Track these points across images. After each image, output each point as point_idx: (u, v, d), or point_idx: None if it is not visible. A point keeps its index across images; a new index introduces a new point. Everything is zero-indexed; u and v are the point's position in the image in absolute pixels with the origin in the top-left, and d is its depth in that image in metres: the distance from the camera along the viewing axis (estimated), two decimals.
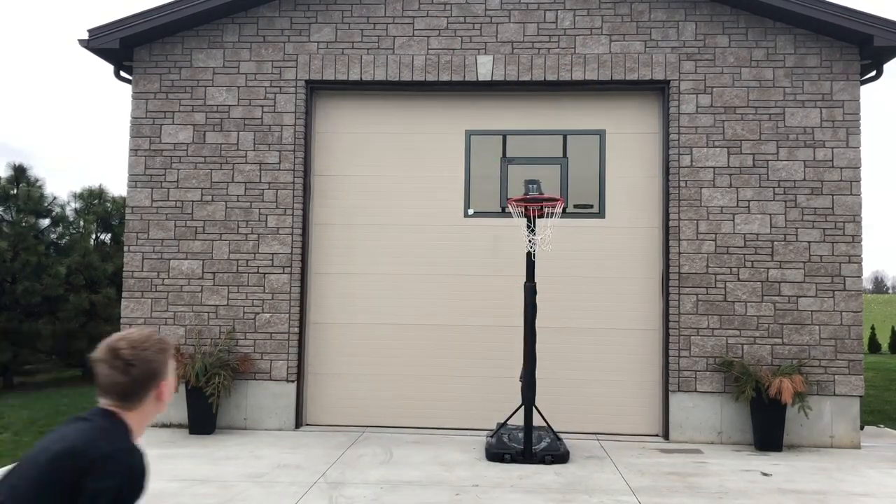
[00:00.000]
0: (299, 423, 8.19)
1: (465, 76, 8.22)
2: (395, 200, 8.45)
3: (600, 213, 7.00)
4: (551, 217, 6.81)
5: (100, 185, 14.79)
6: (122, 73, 8.54)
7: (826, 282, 7.82)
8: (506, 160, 7.04)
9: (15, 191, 12.99)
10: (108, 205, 14.77)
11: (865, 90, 13.62)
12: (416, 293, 8.37)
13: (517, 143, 7.08)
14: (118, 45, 8.09)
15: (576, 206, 6.99)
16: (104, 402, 1.92)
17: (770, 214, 7.90)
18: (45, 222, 13.47)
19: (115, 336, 1.93)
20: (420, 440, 7.61)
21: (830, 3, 7.65)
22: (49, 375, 14.18)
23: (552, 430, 7.18)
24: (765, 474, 6.48)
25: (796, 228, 7.88)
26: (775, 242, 7.89)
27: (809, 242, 7.85)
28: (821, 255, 7.84)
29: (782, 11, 7.80)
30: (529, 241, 6.88)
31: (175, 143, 8.36)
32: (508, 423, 7.28)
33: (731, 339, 7.84)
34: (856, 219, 7.83)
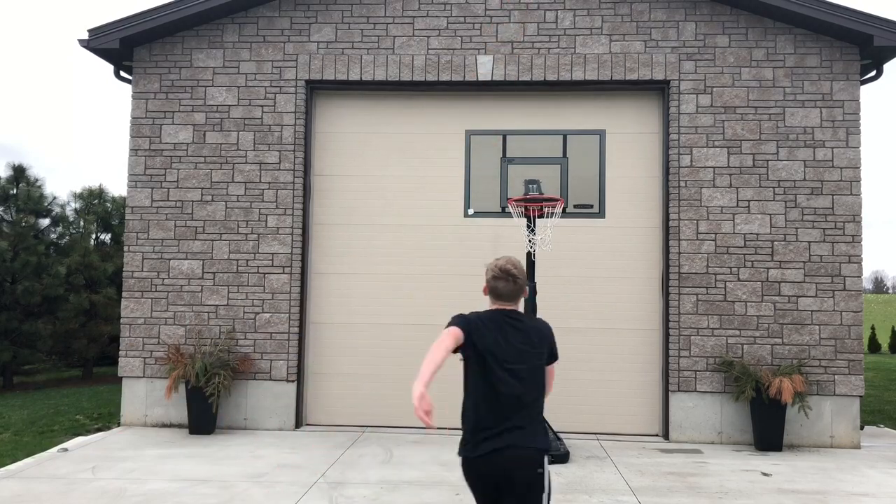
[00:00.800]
0: (299, 423, 8.19)
1: (465, 76, 8.22)
2: (395, 200, 8.45)
3: (600, 213, 7.00)
4: (551, 217, 6.81)
5: (100, 185, 14.82)
6: (122, 73, 8.54)
7: (826, 282, 7.82)
8: (506, 160, 7.04)
9: (15, 191, 13.00)
10: (108, 205, 14.79)
11: (865, 90, 13.61)
12: (416, 293, 8.36)
13: (517, 143, 7.08)
14: (118, 45, 8.09)
15: (576, 206, 6.99)
16: (498, 304, 3.12)
17: (770, 214, 7.90)
18: (45, 222, 13.49)
19: (502, 261, 3.11)
20: (420, 440, 7.61)
21: (830, 3, 7.65)
22: (49, 375, 14.18)
23: (552, 429, 7.18)
24: (765, 474, 6.48)
25: (796, 228, 7.88)
26: (775, 242, 7.89)
27: (809, 242, 7.85)
28: (821, 255, 7.84)
29: (782, 11, 7.80)
30: (529, 241, 6.88)
31: (175, 143, 8.36)
32: None
33: (731, 339, 7.84)
34: (856, 219, 7.83)
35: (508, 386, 2.95)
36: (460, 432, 3.11)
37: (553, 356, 3.21)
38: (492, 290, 3.10)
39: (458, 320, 2.99)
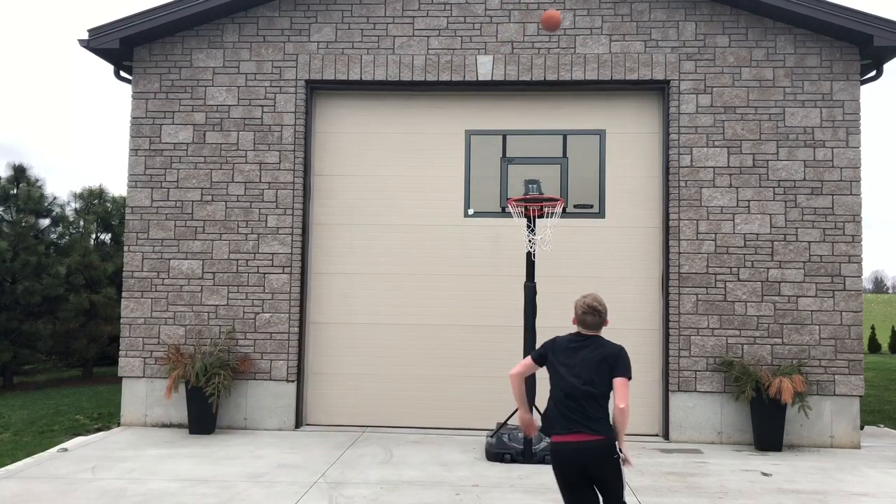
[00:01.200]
0: (299, 422, 8.19)
1: (465, 76, 8.22)
2: (395, 200, 8.46)
3: (600, 213, 7.00)
4: (551, 217, 6.81)
5: (100, 185, 14.82)
6: (122, 73, 8.54)
7: (826, 282, 7.82)
8: (506, 160, 7.04)
9: (15, 191, 13.00)
10: (108, 205, 14.79)
11: (865, 90, 13.63)
12: (416, 293, 8.37)
13: (517, 143, 7.08)
14: (118, 45, 8.09)
15: (576, 206, 6.99)
16: (585, 331, 3.83)
17: (770, 214, 7.90)
18: (45, 222, 13.49)
19: (589, 298, 3.86)
20: (420, 440, 7.61)
21: (830, 3, 7.65)
22: (49, 375, 14.18)
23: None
24: (765, 474, 6.48)
25: (796, 228, 7.88)
26: (775, 242, 7.89)
27: (809, 242, 7.86)
28: (821, 255, 7.84)
29: (782, 11, 7.80)
30: (529, 241, 6.88)
31: (175, 143, 8.36)
32: (508, 423, 7.28)
33: (731, 339, 7.84)
34: (856, 219, 7.83)
35: (575, 387, 3.68)
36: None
37: (622, 371, 3.73)
38: (580, 322, 3.86)
39: (537, 351, 3.92)
